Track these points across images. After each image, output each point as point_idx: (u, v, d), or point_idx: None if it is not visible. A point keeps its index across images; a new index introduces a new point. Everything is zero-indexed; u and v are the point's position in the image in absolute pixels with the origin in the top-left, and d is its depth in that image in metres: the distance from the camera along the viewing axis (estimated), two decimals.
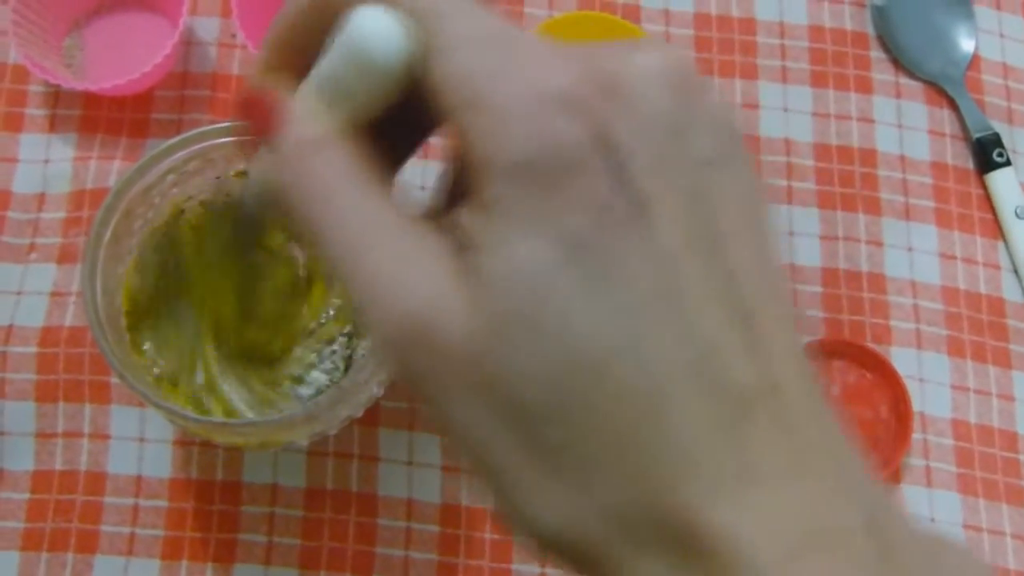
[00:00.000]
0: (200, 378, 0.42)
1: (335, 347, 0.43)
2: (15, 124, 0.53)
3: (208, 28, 0.55)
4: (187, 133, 0.39)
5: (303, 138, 0.21)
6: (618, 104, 0.19)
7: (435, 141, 0.24)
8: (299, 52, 0.23)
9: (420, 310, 0.19)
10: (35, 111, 0.53)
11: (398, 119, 0.22)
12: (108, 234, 0.40)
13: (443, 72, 0.20)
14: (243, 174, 0.42)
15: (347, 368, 0.43)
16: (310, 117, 0.22)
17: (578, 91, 0.19)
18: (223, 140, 0.40)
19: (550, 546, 0.20)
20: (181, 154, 0.40)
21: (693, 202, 0.19)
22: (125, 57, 0.54)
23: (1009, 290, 0.55)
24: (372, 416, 0.48)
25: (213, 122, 0.53)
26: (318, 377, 0.43)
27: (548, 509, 0.19)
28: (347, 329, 0.43)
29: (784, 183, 0.55)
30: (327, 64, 0.21)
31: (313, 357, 0.43)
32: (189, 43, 0.54)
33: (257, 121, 0.22)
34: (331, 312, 0.43)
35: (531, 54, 0.20)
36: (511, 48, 0.20)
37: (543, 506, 0.19)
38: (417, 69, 0.20)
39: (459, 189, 0.22)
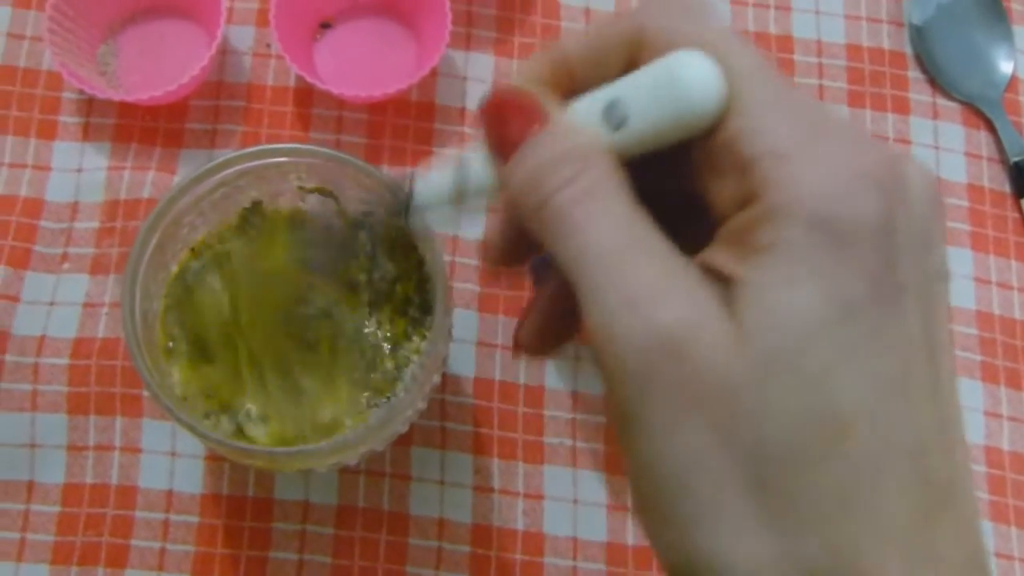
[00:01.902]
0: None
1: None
2: (49, 132, 0.52)
3: (243, 37, 0.54)
4: (246, 149, 0.39)
5: (569, 143, 0.22)
6: (905, 196, 0.21)
7: None
8: (582, 72, 0.24)
9: (682, 325, 0.20)
10: (69, 119, 0.53)
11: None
12: (152, 245, 0.39)
13: (752, 125, 0.21)
14: (320, 190, 0.41)
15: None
16: (577, 127, 0.23)
17: (884, 172, 0.20)
18: (279, 160, 0.40)
19: None
20: (234, 169, 0.39)
21: (928, 305, 0.21)
22: (160, 65, 0.53)
23: None
24: (405, 435, 0.48)
25: (247, 133, 0.53)
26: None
27: (742, 549, 0.20)
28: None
29: None
30: (627, 93, 0.22)
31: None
32: (224, 52, 0.54)
33: (508, 125, 0.23)
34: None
35: (838, 128, 0.21)
36: (820, 117, 0.21)
37: (738, 546, 0.20)
38: (716, 120, 0.22)
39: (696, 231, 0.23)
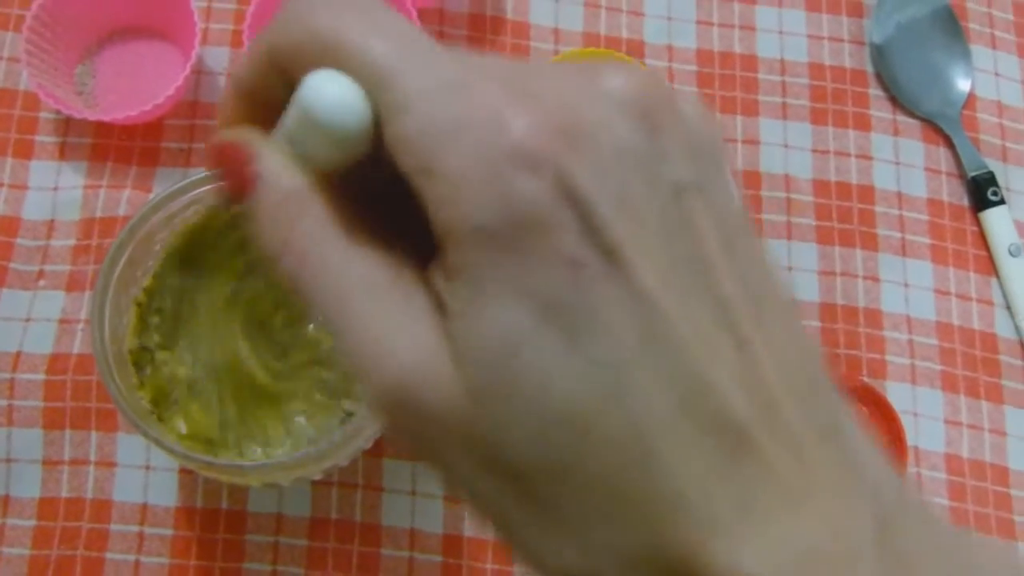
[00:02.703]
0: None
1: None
2: (25, 151, 0.53)
3: (218, 58, 0.55)
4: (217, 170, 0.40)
5: (277, 196, 0.21)
6: (579, 147, 0.18)
7: None
8: (261, 106, 0.22)
9: (405, 375, 0.19)
10: (45, 138, 0.54)
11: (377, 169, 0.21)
12: (122, 263, 0.40)
13: (395, 134, 0.19)
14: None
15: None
16: (281, 172, 0.21)
17: (535, 143, 0.18)
18: None
19: None
20: (207, 188, 0.40)
21: (670, 233, 0.19)
22: (136, 85, 0.54)
23: (1002, 326, 0.56)
24: (377, 447, 0.49)
25: None
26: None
27: (557, 555, 0.19)
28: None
29: (784, 219, 0.56)
30: (287, 123, 0.21)
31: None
32: (199, 72, 0.55)
33: (230, 172, 0.21)
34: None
35: (483, 103, 0.18)
36: (462, 99, 0.18)
37: (552, 553, 0.19)
38: (366, 135, 0.20)
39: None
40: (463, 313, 0.19)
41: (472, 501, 0.20)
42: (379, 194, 0.22)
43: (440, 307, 0.19)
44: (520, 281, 0.18)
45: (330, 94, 0.19)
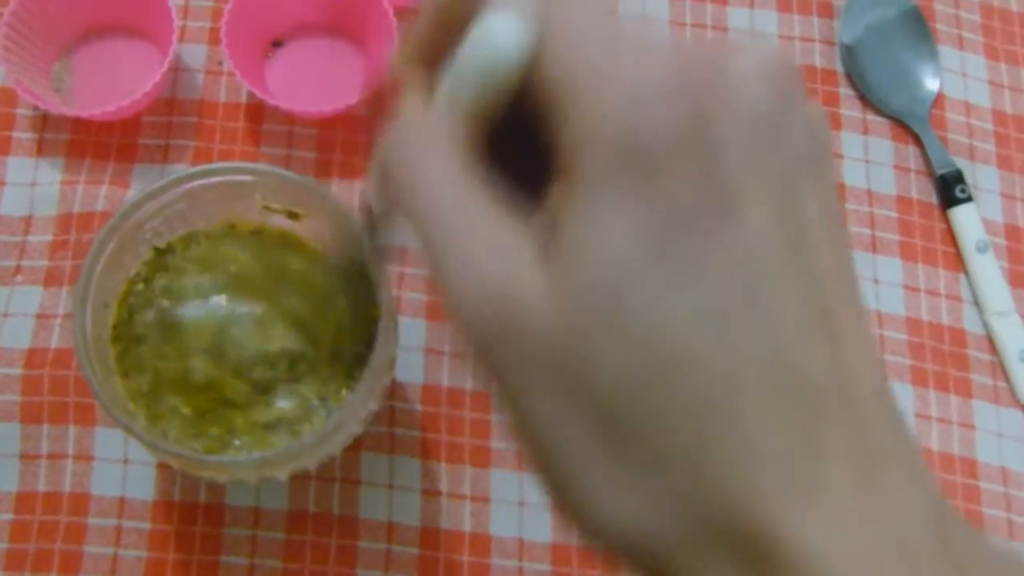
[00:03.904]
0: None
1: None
2: (3, 147, 0.53)
3: (195, 55, 0.56)
4: (213, 164, 0.40)
5: (413, 113, 0.22)
6: (720, 97, 0.19)
7: None
8: (433, 47, 0.23)
9: (503, 294, 0.19)
10: (23, 134, 0.54)
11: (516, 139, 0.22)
12: (108, 252, 0.40)
13: (553, 54, 0.20)
14: (289, 213, 0.43)
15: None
16: (424, 100, 0.22)
17: (684, 80, 0.19)
18: (246, 178, 0.41)
19: (615, 543, 0.19)
20: (201, 182, 0.40)
21: (782, 197, 0.19)
22: (113, 82, 0.54)
23: (970, 322, 0.57)
24: (354, 441, 0.49)
25: (199, 148, 0.54)
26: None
27: (616, 503, 0.19)
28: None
29: None
30: (456, 60, 0.22)
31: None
32: (176, 70, 0.55)
33: (384, 108, 0.23)
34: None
35: (641, 40, 0.20)
36: (622, 33, 0.20)
37: (611, 501, 0.19)
38: (525, 68, 0.21)
39: (544, 176, 0.21)
40: (577, 228, 0.19)
41: (535, 440, 0.20)
42: (512, 149, 0.22)
43: (550, 231, 0.20)
44: (641, 203, 0.18)
45: (497, 29, 0.21)
